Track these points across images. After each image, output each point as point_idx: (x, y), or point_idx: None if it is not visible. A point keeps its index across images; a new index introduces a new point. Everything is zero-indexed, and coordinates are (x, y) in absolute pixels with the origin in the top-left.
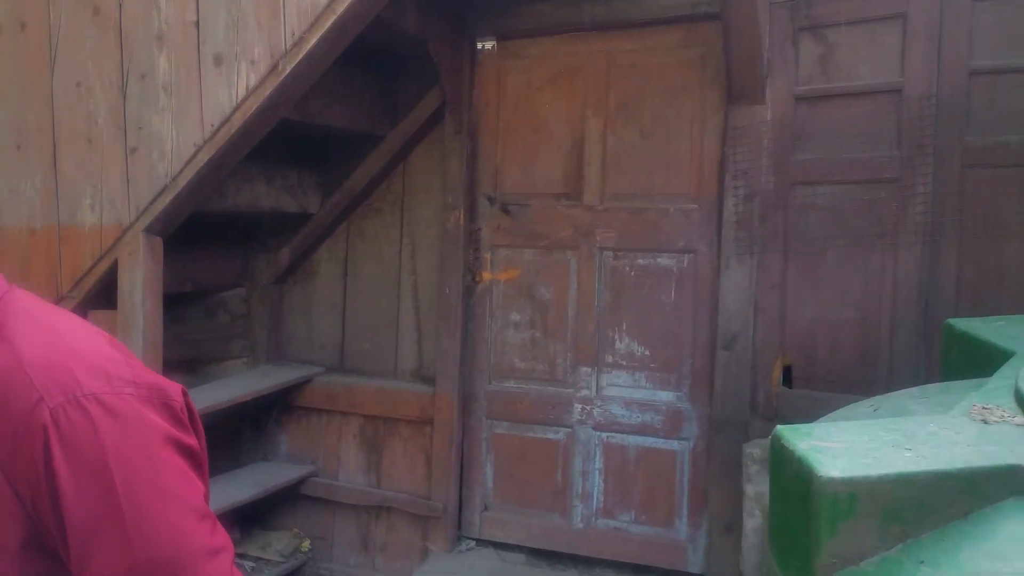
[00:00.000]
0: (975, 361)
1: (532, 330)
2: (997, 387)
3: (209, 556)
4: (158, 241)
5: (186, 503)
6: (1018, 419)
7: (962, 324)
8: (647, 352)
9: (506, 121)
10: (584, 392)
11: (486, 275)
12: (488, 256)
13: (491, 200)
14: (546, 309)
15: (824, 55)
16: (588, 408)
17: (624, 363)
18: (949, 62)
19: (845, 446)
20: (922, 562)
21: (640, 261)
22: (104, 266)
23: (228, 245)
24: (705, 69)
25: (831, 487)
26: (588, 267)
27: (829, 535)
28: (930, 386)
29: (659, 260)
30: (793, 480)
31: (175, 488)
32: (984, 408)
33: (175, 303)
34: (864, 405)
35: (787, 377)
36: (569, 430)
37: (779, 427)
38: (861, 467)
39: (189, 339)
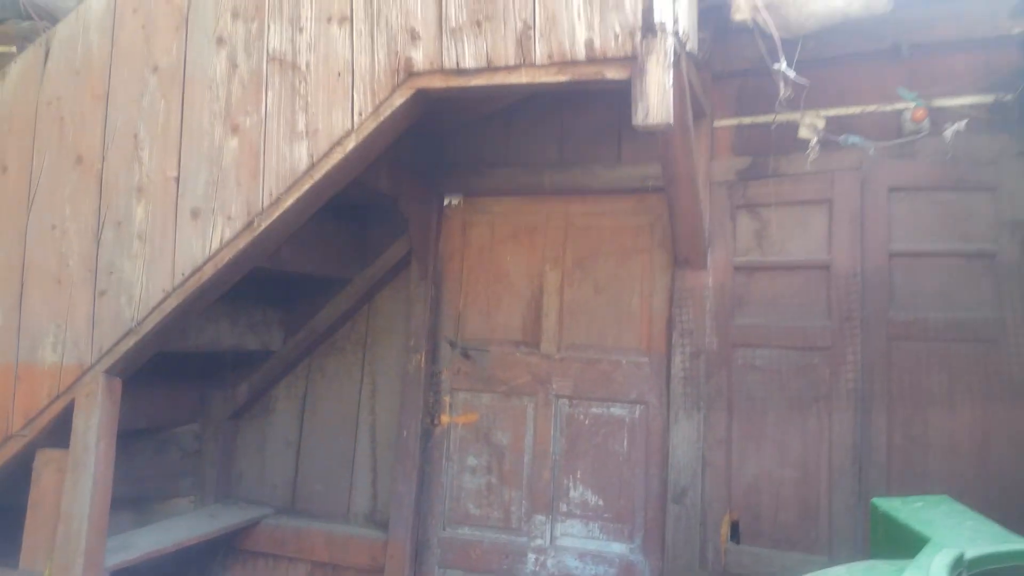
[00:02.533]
0: (897, 541)
1: (488, 475)
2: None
3: None
4: (117, 382)
5: None
6: None
7: (884, 504)
8: (601, 502)
9: (469, 271)
10: (538, 541)
11: (445, 418)
12: (448, 399)
13: (452, 345)
14: (503, 454)
15: (759, 231)
16: (542, 559)
17: (578, 512)
18: (871, 244)
19: None
20: None
21: (594, 410)
22: (60, 405)
23: (185, 381)
24: (654, 235)
25: None
26: (544, 414)
27: None
28: (856, 565)
29: (612, 410)
30: None
31: None
32: None
33: (125, 438)
34: None
35: (735, 532)
36: None
37: None
38: None
39: (136, 476)
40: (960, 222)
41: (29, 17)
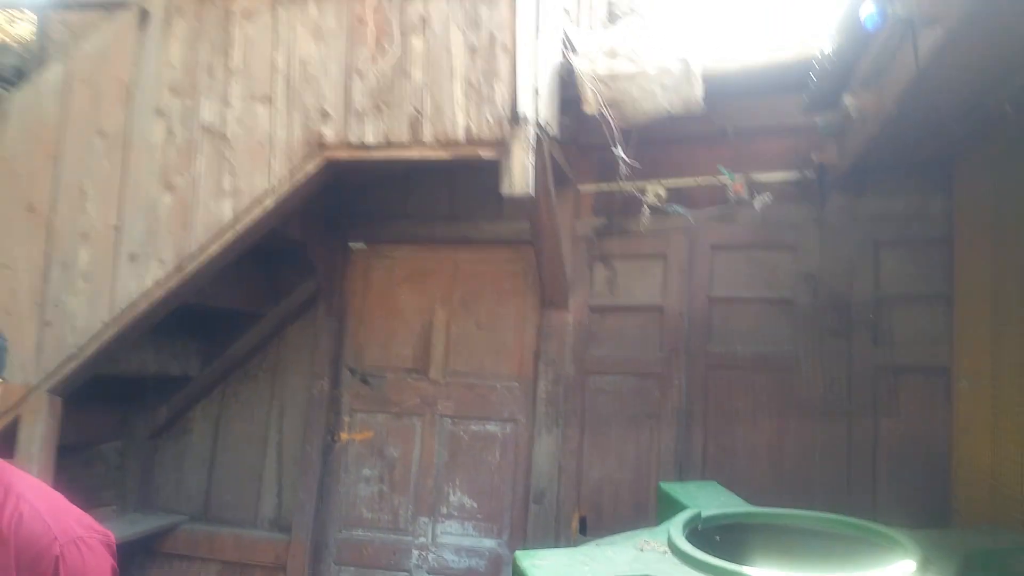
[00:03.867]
0: (672, 512)
1: (380, 484)
2: (662, 529)
3: None
4: (59, 401)
5: None
6: (661, 548)
7: (666, 487)
8: (475, 504)
9: (370, 308)
10: (422, 540)
11: (344, 435)
12: (347, 419)
13: (353, 372)
14: (393, 466)
15: (611, 278)
16: (424, 554)
17: (456, 514)
18: (696, 290)
19: (552, 565)
20: None
21: (473, 427)
22: (7, 420)
23: (111, 402)
24: (526, 280)
25: None
26: (431, 431)
27: None
28: (640, 530)
29: (488, 427)
30: None
31: None
32: (645, 542)
33: (57, 453)
34: (595, 542)
35: (582, 526)
36: (407, 574)
37: (517, 552)
38: (555, 573)
39: (65, 487)
40: (767, 274)
41: None
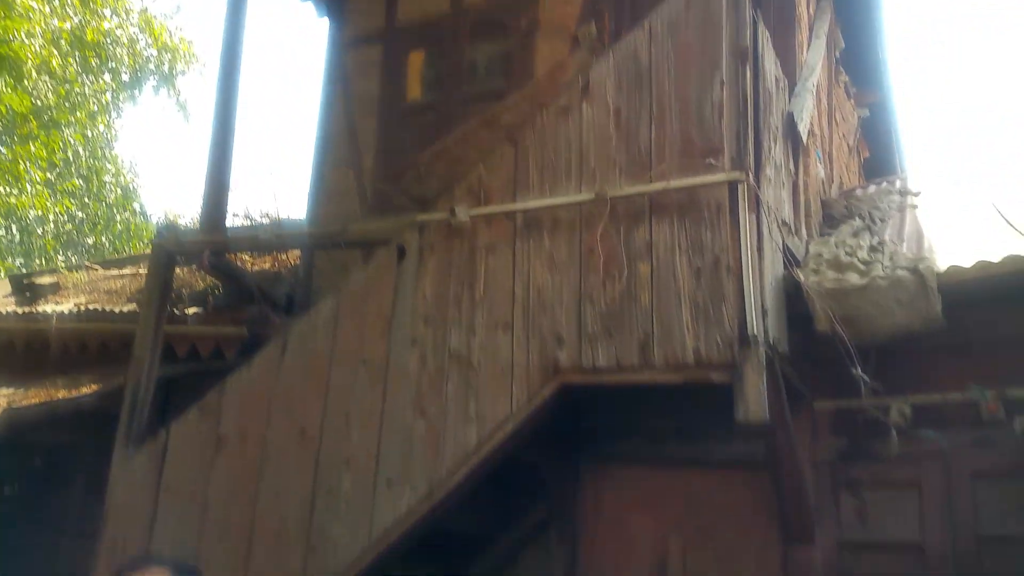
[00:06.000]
0: None
1: None
2: None
3: None
4: None
5: None
6: None
7: None
8: None
9: (602, 534)
10: None
11: None
12: None
13: None
14: None
15: (860, 509)
16: None
17: None
18: (960, 527)
19: None
20: None
21: None
22: None
23: None
24: (767, 508)
25: None
26: None
27: None
28: None
29: None
30: None
31: None
32: None
33: None
34: None
35: None
36: None
37: None
38: None
39: None
40: None
41: (258, 302)
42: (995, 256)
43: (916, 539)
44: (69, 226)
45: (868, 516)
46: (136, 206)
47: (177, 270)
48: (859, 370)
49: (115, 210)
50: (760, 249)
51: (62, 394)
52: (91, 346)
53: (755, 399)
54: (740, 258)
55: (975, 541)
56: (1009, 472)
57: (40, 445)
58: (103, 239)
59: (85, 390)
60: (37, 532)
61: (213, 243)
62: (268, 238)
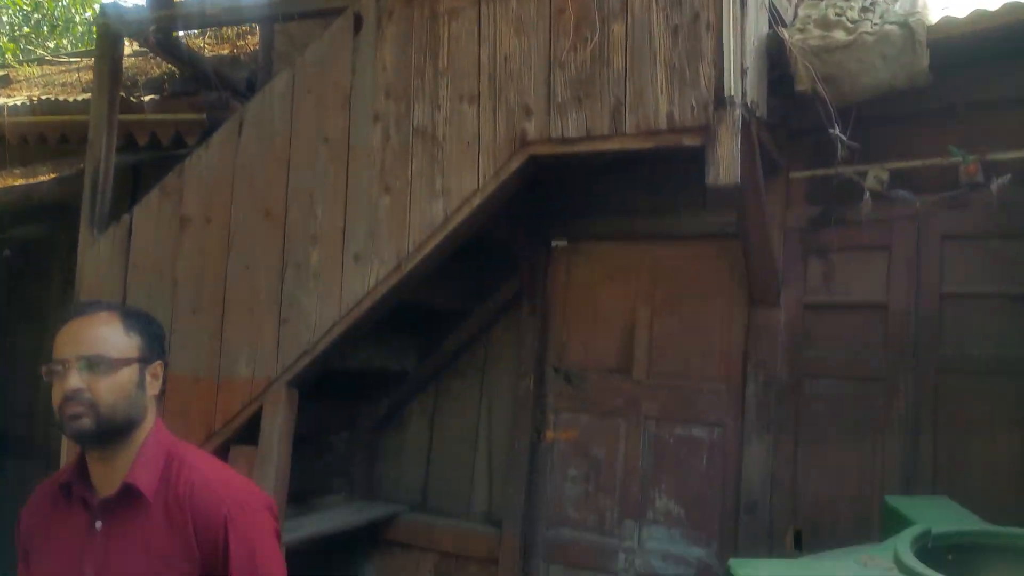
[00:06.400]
0: (898, 528)
1: (586, 484)
2: (887, 545)
3: None
4: (295, 392)
5: (282, 569)
6: (887, 565)
7: (892, 500)
8: (682, 511)
9: (572, 306)
10: (628, 543)
11: (549, 434)
12: (552, 417)
13: (556, 370)
14: (599, 467)
15: (827, 273)
16: (631, 558)
17: (662, 519)
18: (925, 286)
19: (770, 574)
20: None
21: (678, 430)
22: (252, 410)
23: (341, 396)
24: (733, 276)
25: None
26: (634, 432)
27: None
28: (859, 546)
29: (693, 431)
30: None
31: (281, 566)
32: (869, 557)
33: (293, 443)
34: (814, 555)
35: (797, 541)
36: None
37: (731, 560)
38: None
39: (300, 475)
40: (1006, 266)
41: (215, 88)
42: (992, 5)
43: (881, 299)
44: (27, 29)
45: (835, 278)
46: (97, 6)
47: (134, 59)
48: (836, 130)
49: (74, 10)
50: (744, 4)
51: (19, 183)
52: (50, 139)
53: (727, 162)
54: (721, 13)
55: (938, 299)
56: (978, 233)
57: (13, 240)
58: (64, 41)
59: (43, 178)
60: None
61: (159, 18)
62: (216, 12)
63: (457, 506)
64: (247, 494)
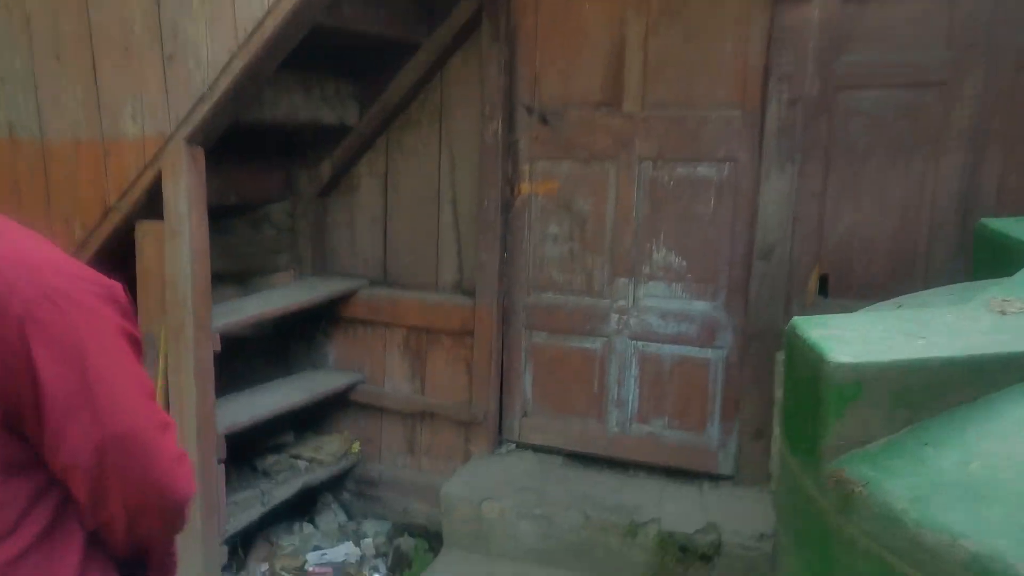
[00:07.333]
0: (1005, 260)
1: (570, 243)
2: (1020, 282)
3: (161, 429)
4: (200, 151)
5: (141, 384)
6: None
7: (995, 224)
8: (684, 263)
9: (545, 26)
10: (621, 303)
11: (524, 187)
12: (527, 168)
13: (529, 110)
14: (584, 221)
15: None
16: (625, 318)
17: (661, 274)
18: None
19: (858, 335)
20: (927, 444)
21: (680, 171)
22: (149, 176)
23: (270, 158)
24: None
25: (839, 372)
26: (627, 178)
27: (836, 418)
28: (956, 285)
29: (698, 170)
30: (804, 366)
31: (132, 371)
32: (1004, 300)
33: (221, 216)
34: (888, 304)
35: (823, 287)
36: (606, 340)
37: (795, 318)
38: (870, 353)
39: (237, 252)
40: None
41: None
42: None
43: None
44: None
45: None
46: None
47: None
48: None
49: None
50: None
51: None
52: None
53: None
54: None
55: None
56: None
57: None
58: None
59: None
60: None
61: None
62: None
63: (423, 277)
64: (64, 278)
